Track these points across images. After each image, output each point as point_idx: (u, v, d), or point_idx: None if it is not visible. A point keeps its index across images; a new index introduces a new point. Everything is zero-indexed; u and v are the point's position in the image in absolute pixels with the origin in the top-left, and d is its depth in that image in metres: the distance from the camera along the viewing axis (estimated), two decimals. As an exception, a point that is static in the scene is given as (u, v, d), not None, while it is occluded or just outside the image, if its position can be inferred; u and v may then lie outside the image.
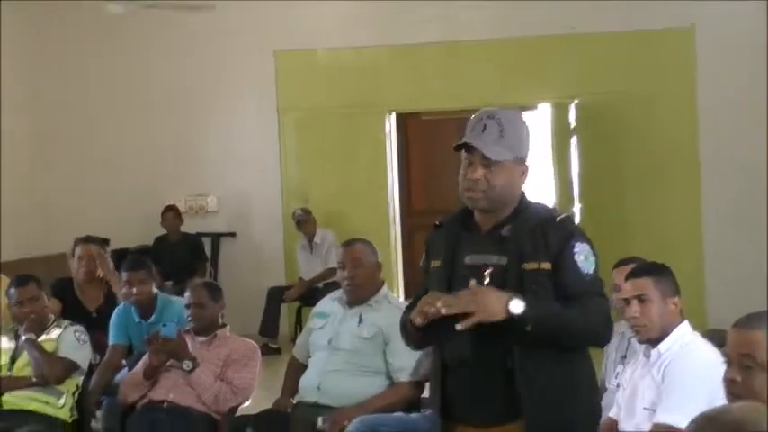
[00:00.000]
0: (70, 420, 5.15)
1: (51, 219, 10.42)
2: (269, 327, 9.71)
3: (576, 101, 9.95)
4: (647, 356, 3.64)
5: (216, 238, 10.61)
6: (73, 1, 10.46)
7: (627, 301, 3.66)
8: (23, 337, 5.17)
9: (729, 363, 2.57)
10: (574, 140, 10.00)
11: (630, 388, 3.68)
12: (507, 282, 3.11)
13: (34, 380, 5.12)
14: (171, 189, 10.53)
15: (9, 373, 5.18)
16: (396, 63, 10.25)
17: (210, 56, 10.47)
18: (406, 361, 4.73)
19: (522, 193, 3.28)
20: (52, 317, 5.39)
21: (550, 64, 9.95)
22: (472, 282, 3.09)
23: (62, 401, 5.12)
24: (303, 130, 10.46)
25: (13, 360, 5.21)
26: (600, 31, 9.73)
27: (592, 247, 3.19)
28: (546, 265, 3.11)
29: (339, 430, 4.62)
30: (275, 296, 9.84)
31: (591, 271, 3.15)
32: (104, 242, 6.76)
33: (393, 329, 4.09)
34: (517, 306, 3.01)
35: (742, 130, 9.46)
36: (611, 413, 3.73)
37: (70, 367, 5.19)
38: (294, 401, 5.04)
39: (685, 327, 3.65)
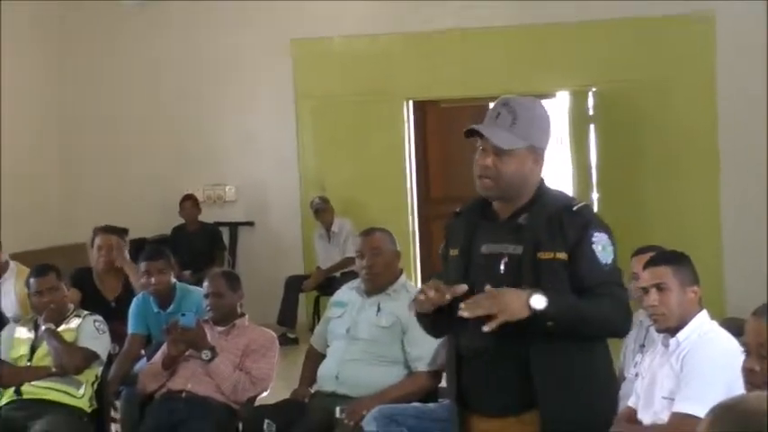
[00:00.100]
0: (89, 410, 5.14)
1: (70, 209, 10.46)
2: (287, 316, 9.70)
3: (594, 89, 9.89)
4: (666, 345, 3.62)
5: (234, 227, 10.61)
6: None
7: (645, 290, 3.64)
8: (43, 327, 5.18)
9: (748, 352, 2.55)
10: (592, 128, 9.96)
11: (649, 377, 3.66)
12: (522, 272, 3.09)
13: (54, 370, 5.12)
14: (189, 178, 10.54)
15: (29, 363, 5.20)
16: (412, 51, 10.21)
17: (227, 45, 10.46)
18: (425, 350, 4.72)
19: (541, 180, 3.25)
20: (71, 307, 5.39)
21: (568, 51, 9.88)
22: (488, 286, 3.05)
23: (81, 391, 5.12)
24: (320, 118, 10.44)
25: (32, 350, 5.22)
26: (618, 16, 9.66)
27: (610, 236, 3.16)
28: (561, 255, 3.08)
29: (357, 420, 4.62)
30: (293, 285, 9.82)
31: (609, 261, 3.12)
32: (124, 232, 6.74)
33: (411, 319, 4.05)
34: (539, 302, 2.99)
35: (761, 118, 9.36)
36: (630, 402, 3.72)
37: (90, 357, 5.19)
38: (312, 391, 5.05)
39: (704, 316, 3.62)
